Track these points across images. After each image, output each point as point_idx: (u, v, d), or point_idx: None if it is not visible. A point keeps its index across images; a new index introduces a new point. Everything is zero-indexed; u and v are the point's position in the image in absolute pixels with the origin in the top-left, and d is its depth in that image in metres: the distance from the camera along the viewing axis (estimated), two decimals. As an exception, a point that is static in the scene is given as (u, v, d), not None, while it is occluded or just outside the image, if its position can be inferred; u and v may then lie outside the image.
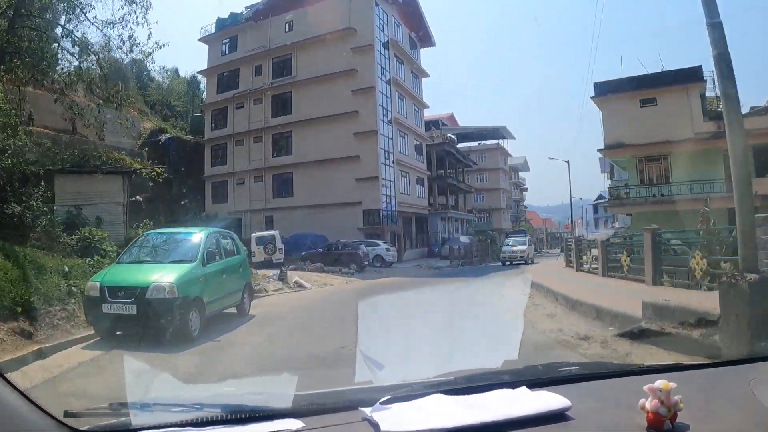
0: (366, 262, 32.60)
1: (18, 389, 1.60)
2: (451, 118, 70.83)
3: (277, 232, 33.34)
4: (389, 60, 46.10)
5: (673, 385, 1.69)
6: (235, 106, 48.77)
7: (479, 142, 74.77)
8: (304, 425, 1.75)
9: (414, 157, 50.05)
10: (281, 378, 2.18)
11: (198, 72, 53.59)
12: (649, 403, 1.67)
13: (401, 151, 46.93)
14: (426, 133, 54.31)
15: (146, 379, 2.20)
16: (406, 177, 47.51)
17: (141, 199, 40.08)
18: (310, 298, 18.43)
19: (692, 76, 32.74)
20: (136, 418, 1.77)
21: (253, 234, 33.64)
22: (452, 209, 58.25)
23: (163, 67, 63.84)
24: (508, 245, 42.89)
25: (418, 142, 51.80)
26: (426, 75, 55.37)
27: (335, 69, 42.44)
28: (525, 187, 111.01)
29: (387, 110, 44.72)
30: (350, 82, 42.60)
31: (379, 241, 37.65)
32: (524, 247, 41.71)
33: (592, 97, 34.97)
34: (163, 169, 25.16)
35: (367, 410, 1.82)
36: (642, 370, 2.38)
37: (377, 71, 43.39)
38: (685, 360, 4.60)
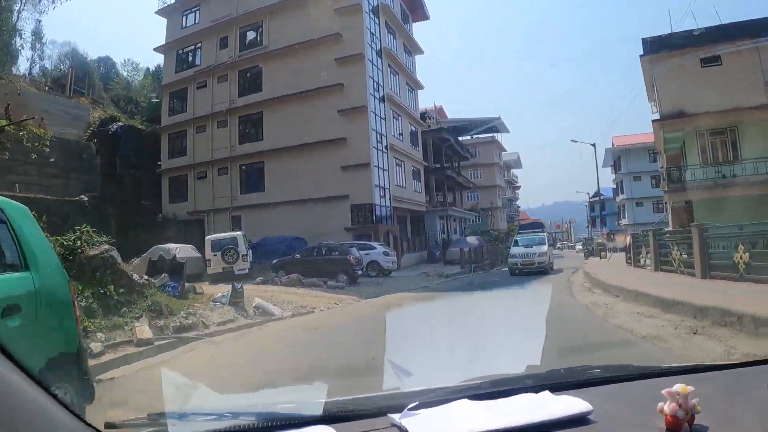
0: (359, 271, 24.80)
1: (60, 401, 1.61)
2: (440, 111, 63.83)
3: (240, 233, 25.66)
4: (380, 27, 38.48)
5: (690, 388, 1.66)
6: (196, 85, 40.93)
7: (471, 135, 67.89)
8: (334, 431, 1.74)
9: (409, 144, 42.49)
10: (313, 386, 2.21)
11: (154, 49, 45.39)
12: (668, 407, 1.65)
13: (395, 135, 39.33)
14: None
15: (184, 390, 2.19)
16: (401, 166, 39.78)
17: (86, 199, 33.77)
18: (274, 349, 10.23)
19: (763, 29, 26.53)
20: (174, 428, 1.78)
21: (208, 237, 25.89)
22: (450, 206, 50.74)
23: (128, 60, 60.17)
24: (518, 246, 29.47)
25: (413, 128, 44.29)
26: (420, 51, 48.00)
27: (315, 35, 34.84)
28: (518, 185, 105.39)
29: (378, 84, 37.05)
30: (334, 49, 34.95)
31: (374, 244, 29.79)
32: (544, 249, 28.61)
33: (641, 56, 28.26)
34: (31, 120, 17.47)
35: (396, 416, 1.79)
36: (662, 372, 2.32)
37: (366, 36, 35.74)
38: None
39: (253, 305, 14.33)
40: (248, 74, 39.05)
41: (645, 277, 16.89)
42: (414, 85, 46.20)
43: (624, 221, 68.75)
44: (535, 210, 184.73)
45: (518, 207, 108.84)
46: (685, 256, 16.13)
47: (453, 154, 54.55)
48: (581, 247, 70.50)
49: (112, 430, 1.83)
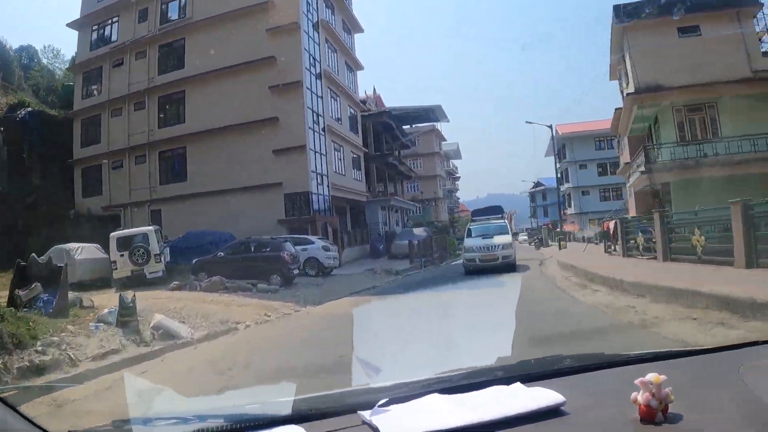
0: (295, 270, 21.14)
1: (19, 412, 1.57)
2: (379, 99, 60.52)
3: (152, 228, 21.74)
4: (316, -1, 34.82)
5: (663, 377, 1.64)
6: (112, 64, 36.30)
7: (410, 125, 64.86)
8: (304, 431, 1.70)
9: (348, 128, 39.10)
10: (280, 386, 2.18)
11: (67, 25, 40.41)
12: (641, 396, 1.62)
13: (333, 117, 35.80)
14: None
15: (148, 395, 2.15)
16: (339, 152, 36.32)
17: (-16, 195, 29.74)
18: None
19: (744, -4, 25.11)
20: None
21: (113, 234, 21.72)
22: (392, 196, 47.55)
23: (48, 47, 57.50)
24: (472, 236, 22.63)
25: (352, 111, 40.82)
26: (360, 30, 44.53)
27: (244, 3, 31.12)
28: (457, 175, 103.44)
29: (315, 59, 33.40)
30: (265, 19, 31.09)
31: (312, 238, 26.04)
32: (507, 239, 21.89)
33: (613, 24, 26.23)
34: None
35: (366, 413, 1.74)
36: (634, 360, 2.28)
37: (302, 5, 32.03)
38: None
39: (152, 324, 10.59)
40: (169, 49, 34.75)
41: (659, 269, 13.96)
42: (353, 65, 42.76)
43: (570, 210, 67.31)
44: (470, 202, 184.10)
45: (458, 198, 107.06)
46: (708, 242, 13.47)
47: (394, 141, 51.52)
48: (526, 237, 68.88)
49: None
